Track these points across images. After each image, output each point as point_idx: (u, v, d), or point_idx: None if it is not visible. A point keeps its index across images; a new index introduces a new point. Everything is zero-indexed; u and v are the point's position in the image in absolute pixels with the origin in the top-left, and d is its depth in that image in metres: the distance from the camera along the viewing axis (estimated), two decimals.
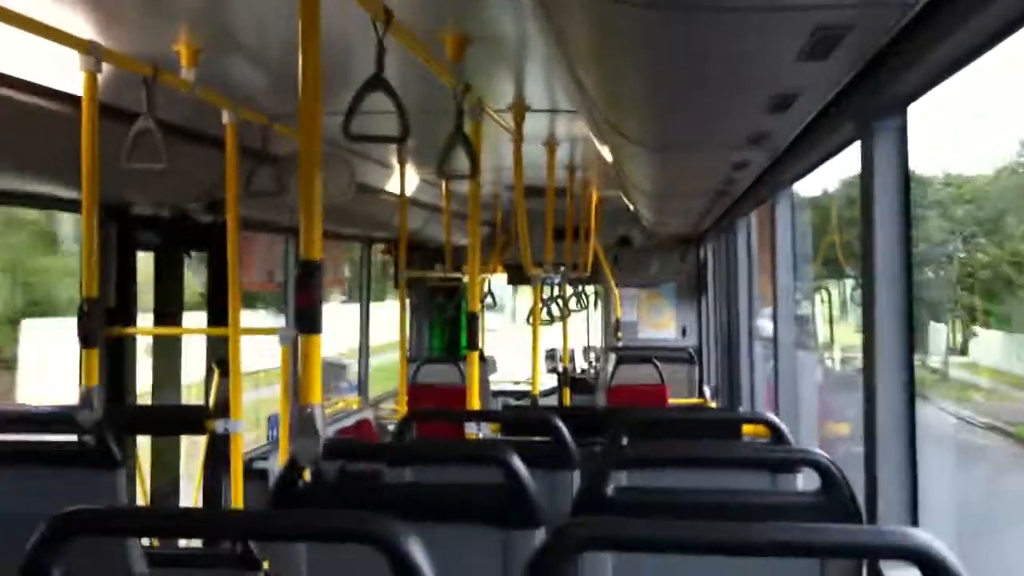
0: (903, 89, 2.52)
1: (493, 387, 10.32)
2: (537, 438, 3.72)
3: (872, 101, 2.65)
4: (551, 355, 12.10)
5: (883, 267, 2.76)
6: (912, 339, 2.79)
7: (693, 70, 2.74)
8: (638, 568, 2.30)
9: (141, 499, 5.23)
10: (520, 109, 5.13)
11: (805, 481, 2.95)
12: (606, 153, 5.29)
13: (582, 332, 13.19)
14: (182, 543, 5.05)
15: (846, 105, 2.89)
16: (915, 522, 2.86)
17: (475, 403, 4.88)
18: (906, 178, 2.70)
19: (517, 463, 2.57)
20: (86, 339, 3.65)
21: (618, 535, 1.64)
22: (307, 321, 2.70)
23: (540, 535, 2.50)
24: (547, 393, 10.15)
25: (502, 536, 2.52)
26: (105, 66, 3.58)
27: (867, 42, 2.31)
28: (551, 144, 6.30)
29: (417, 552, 1.58)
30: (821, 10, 2.09)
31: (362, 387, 8.91)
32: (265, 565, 3.77)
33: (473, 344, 4.92)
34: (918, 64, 2.31)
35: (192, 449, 5.79)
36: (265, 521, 1.91)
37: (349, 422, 8.15)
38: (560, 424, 3.50)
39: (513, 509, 2.53)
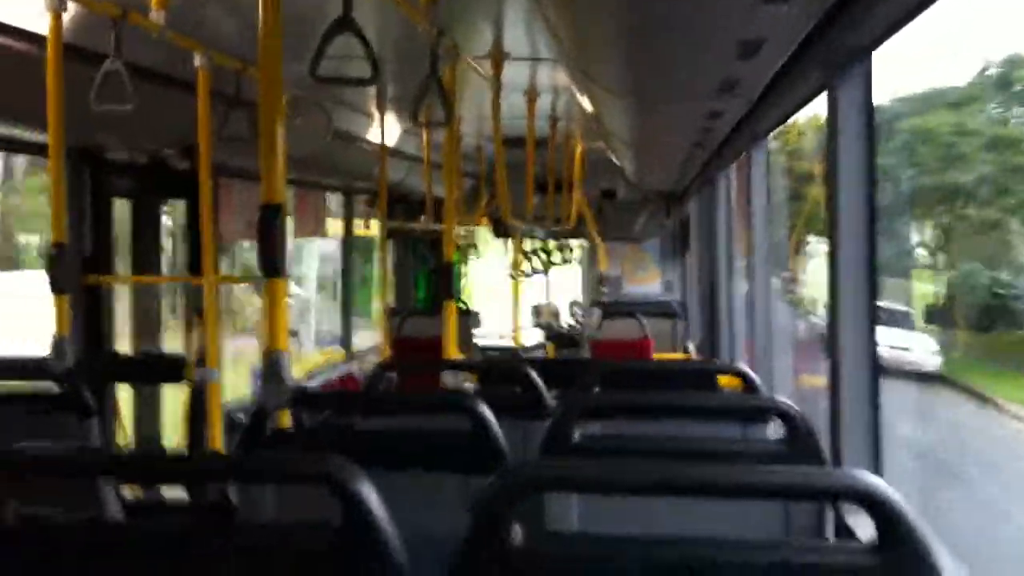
0: (867, 35, 2.50)
1: (480, 342, 10.35)
2: (515, 389, 3.73)
3: (837, 47, 2.63)
4: (537, 311, 12.14)
5: (848, 214, 2.77)
6: (875, 287, 2.80)
7: (660, 14, 2.72)
8: (603, 513, 2.31)
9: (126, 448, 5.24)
10: (498, 57, 5.09)
11: (776, 432, 2.97)
12: (586, 103, 5.26)
13: (569, 287, 13.21)
14: (167, 493, 5.07)
15: (813, 51, 2.87)
16: (878, 470, 2.88)
17: (452, 353, 4.89)
18: (871, 125, 2.70)
19: (483, 409, 2.58)
20: (57, 285, 3.63)
21: (566, 476, 1.65)
22: (271, 264, 2.70)
23: None
24: (532, 349, 10.18)
25: (467, 483, 2.53)
26: (72, 6, 3.53)
27: None
28: (532, 94, 6.26)
29: (367, 491, 1.59)
30: None
31: (346, 340, 8.91)
32: None
33: (448, 293, 4.92)
34: (880, 9, 2.30)
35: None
36: (215, 463, 1.93)
37: (334, 375, 8.18)
38: (532, 373, 3.50)
39: (478, 455, 2.54)
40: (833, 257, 2.81)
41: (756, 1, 2.40)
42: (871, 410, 2.84)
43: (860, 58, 2.63)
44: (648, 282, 11.58)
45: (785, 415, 2.51)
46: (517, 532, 1.52)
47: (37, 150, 4.10)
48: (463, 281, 11.89)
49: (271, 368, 2.69)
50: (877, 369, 2.86)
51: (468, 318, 9.59)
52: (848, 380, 2.83)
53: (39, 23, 3.56)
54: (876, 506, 1.43)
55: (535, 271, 9.70)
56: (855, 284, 2.77)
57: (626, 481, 1.59)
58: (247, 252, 8.22)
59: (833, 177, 2.77)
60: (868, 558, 1.44)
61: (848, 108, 2.68)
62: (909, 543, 1.41)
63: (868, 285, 2.78)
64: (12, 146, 4.57)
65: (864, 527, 2.63)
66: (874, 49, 2.60)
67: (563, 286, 12.60)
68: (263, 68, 2.61)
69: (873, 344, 2.82)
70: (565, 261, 10.78)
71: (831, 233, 2.81)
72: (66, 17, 3.53)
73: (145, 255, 5.65)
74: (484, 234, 12.04)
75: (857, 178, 2.73)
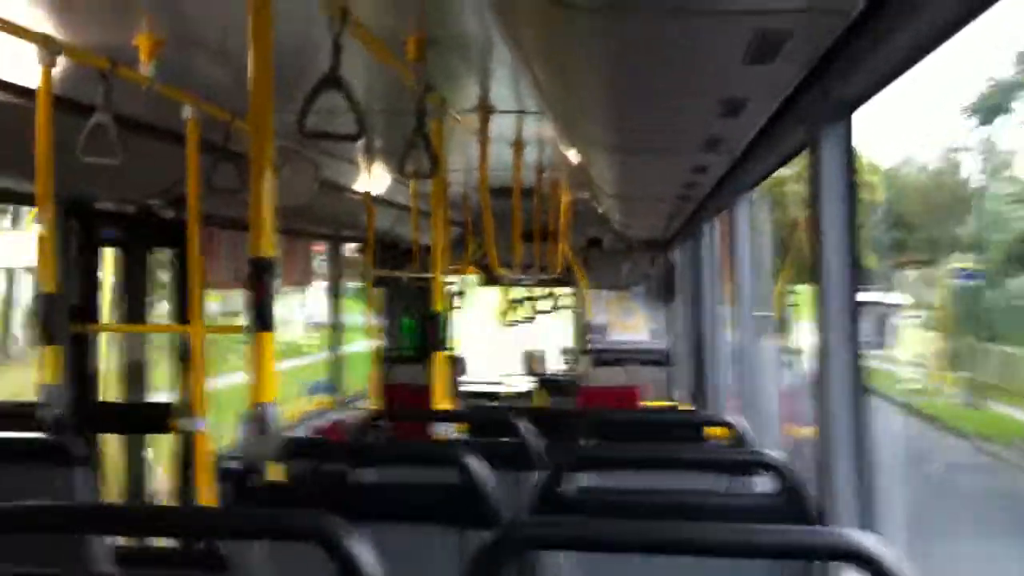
0: (848, 93, 2.55)
1: (467, 387, 10.33)
2: (505, 439, 3.73)
3: (818, 106, 2.68)
4: (528, 356, 12.15)
5: (831, 268, 2.79)
6: (857, 336, 2.81)
7: (644, 74, 2.77)
8: (593, 569, 2.31)
9: (111, 499, 5.19)
10: (485, 110, 5.14)
11: (765, 484, 2.98)
12: (572, 156, 5.32)
13: (559, 334, 13.22)
14: (156, 544, 5.02)
15: (794, 110, 2.92)
16: (870, 525, 2.88)
17: (440, 403, 4.88)
18: (852, 182, 2.74)
19: (474, 463, 2.58)
20: (47, 335, 3.63)
21: (563, 534, 1.65)
22: (259, 318, 2.71)
23: None
24: (523, 395, 10.17)
25: (461, 537, 2.52)
26: (62, 59, 3.56)
27: (810, 47, 2.34)
28: (518, 145, 6.32)
29: (361, 550, 1.58)
30: (762, 15, 2.12)
31: (335, 387, 8.89)
32: None
33: (436, 344, 4.92)
34: (862, 69, 2.35)
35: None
36: (206, 518, 1.92)
37: (323, 421, 8.14)
38: (522, 425, 3.51)
39: (470, 509, 2.54)
40: (821, 311, 2.84)
41: (739, 62, 2.45)
42: (862, 463, 2.85)
43: (841, 115, 2.68)
44: (635, 330, 11.60)
45: (775, 469, 2.52)
46: None
47: (26, 200, 4.12)
48: (449, 328, 11.90)
49: (258, 420, 2.69)
50: (867, 421, 2.87)
51: (455, 364, 9.58)
52: (836, 429, 2.84)
53: (29, 77, 3.59)
54: (872, 566, 1.44)
55: (523, 319, 9.72)
56: (841, 335, 2.79)
57: (620, 540, 1.59)
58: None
59: (817, 231, 2.80)
60: None
61: (830, 164, 2.72)
62: None
63: (852, 337, 2.80)
64: (3, 197, 4.58)
65: None
66: (856, 107, 2.65)
67: (552, 332, 12.61)
68: (253, 122, 2.64)
69: (861, 396, 2.83)
70: (554, 308, 10.80)
71: (816, 284, 2.83)
72: (55, 70, 3.56)
73: (132, 303, 5.64)
74: (471, 280, 12.07)
75: (840, 232, 2.77)
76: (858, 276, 2.82)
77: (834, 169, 2.71)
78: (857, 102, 2.60)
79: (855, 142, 2.69)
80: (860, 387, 2.85)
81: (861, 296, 2.80)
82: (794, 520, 2.48)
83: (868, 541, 1.46)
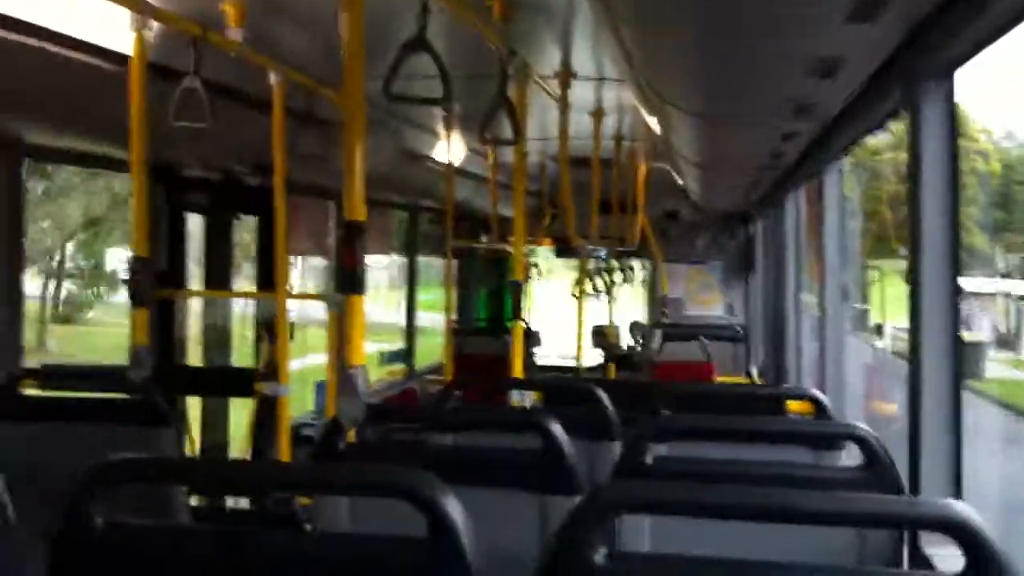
0: (950, 53, 2.46)
1: (540, 362, 10.33)
2: (580, 410, 3.71)
3: (919, 66, 2.59)
4: (598, 331, 12.11)
5: (930, 239, 2.71)
6: (958, 309, 2.74)
7: (737, 35, 2.71)
8: (675, 535, 2.29)
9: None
10: (566, 76, 5.10)
11: (849, 459, 2.91)
12: (653, 123, 5.25)
13: (631, 308, 13.13)
14: (230, 504, 5.13)
15: (892, 71, 2.83)
16: (959, 498, 2.81)
17: (518, 372, 4.88)
18: (954, 145, 2.65)
19: (556, 429, 2.57)
20: (136, 298, 3.71)
21: (651, 498, 1.63)
22: (350, 281, 2.73)
23: (577, 502, 2.49)
24: (593, 370, 10.14)
25: (540, 502, 2.52)
26: (154, 25, 3.61)
27: (912, 4, 2.26)
28: (598, 113, 6.26)
29: (454, 509, 1.58)
30: None
31: (408, 357, 8.96)
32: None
33: (516, 313, 4.92)
34: (964, 27, 2.26)
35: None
36: (300, 473, 1.94)
37: (395, 391, 8.22)
38: (601, 394, 3.48)
39: (551, 475, 2.53)
40: (915, 280, 2.76)
41: (838, 20, 2.37)
42: (952, 436, 2.78)
43: (943, 74, 2.59)
44: (710, 304, 11.48)
45: (862, 440, 2.46)
46: (601, 553, 1.51)
47: (118, 166, 4.20)
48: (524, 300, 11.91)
49: (348, 383, 2.71)
50: (959, 392, 2.79)
51: (529, 337, 9.58)
52: (929, 404, 2.77)
53: (122, 42, 3.65)
54: (966, 536, 1.40)
55: (597, 291, 9.66)
56: (938, 306, 2.71)
57: (709, 504, 1.57)
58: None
59: (915, 198, 2.72)
60: None
61: (931, 126, 2.63)
62: (997, 574, 1.37)
63: (951, 307, 2.72)
64: (95, 162, 4.68)
65: (942, 558, 2.57)
66: (958, 67, 2.56)
67: (625, 307, 12.53)
68: (346, 90, 2.64)
69: (955, 367, 2.75)
70: (627, 281, 10.72)
71: (913, 255, 2.75)
72: (147, 36, 3.61)
73: (218, 270, 5.73)
74: (545, 254, 12.05)
75: (940, 199, 2.68)
76: (959, 248, 2.73)
77: (935, 131, 2.62)
78: (960, 60, 2.50)
79: (962, 101, 2.59)
80: (957, 368, 2.77)
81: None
82: (881, 492, 2.42)
83: (961, 510, 1.42)
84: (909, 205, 2.77)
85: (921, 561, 2.57)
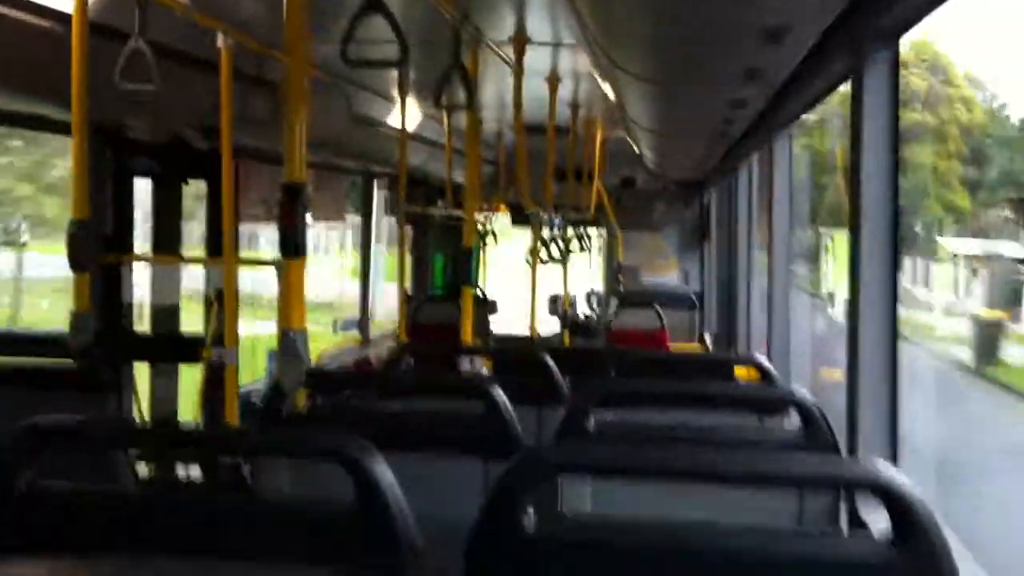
0: (894, 19, 2.47)
1: (496, 330, 10.33)
2: (531, 377, 3.71)
3: (863, 33, 2.60)
4: (554, 299, 12.13)
5: (871, 204, 2.74)
6: (896, 278, 2.77)
7: (688, 0, 2.70)
8: (617, 499, 2.31)
9: None
10: (521, 41, 5.07)
11: (794, 426, 2.95)
12: (608, 90, 5.24)
13: (587, 276, 13.16)
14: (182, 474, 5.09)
15: (839, 37, 2.84)
16: (895, 463, 2.85)
17: (468, 339, 4.88)
18: (896, 112, 2.67)
19: (499, 393, 2.58)
20: (77, 262, 3.65)
21: (582, 459, 1.64)
22: (291, 244, 2.70)
23: None
24: (549, 339, 10.16)
25: (484, 466, 2.53)
26: None
27: None
28: (553, 80, 6.24)
29: (380, 469, 1.58)
30: None
31: (363, 325, 8.92)
32: None
33: (466, 279, 4.92)
34: None
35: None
36: (232, 437, 1.93)
37: (349, 359, 8.19)
38: (549, 360, 3.49)
39: (495, 439, 2.54)
40: (855, 247, 2.79)
41: None
42: (890, 401, 2.82)
43: (887, 44, 2.60)
44: (666, 272, 11.54)
45: (801, 406, 2.49)
46: (530, 516, 1.51)
47: (60, 128, 4.12)
48: (480, 268, 11.90)
49: (289, 347, 2.69)
50: (897, 360, 2.83)
51: (485, 305, 9.58)
52: (867, 370, 2.81)
53: (64, 1, 3.57)
54: (893, 498, 1.41)
55: (553, 259, 9.68)
56: (877, 274, 2.75)
57: (643, 465, 1.58)
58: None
59: (857, 165, 2.74)
60: (883, 551, 1.42)
61: (874, 95, 2.65)
62: (925, 538, 1.39)
63: (890, 275, 2.76)
64: (36, 124, 4.58)
65: (878, 520, 2.62)
66: (902, 34, 2.57)
67: (581, 275, 12.56)
68: (289, 49, 2.60)
69: (894, 334, 2.79)
70: (583, 249, 10.74)
71: (853, 221, 2.78)
72: None
73: (165, 235, 5.66)
74: (501, 221, 12.02)
75: (882, 165, 2.71)
76: (898, 213, 2.76)
77: (879, 100, 2.64)
78: (904, 27, 2.52)
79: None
80: (894, 330, 2.81)
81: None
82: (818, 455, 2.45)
83: (891, 472, 1.44)
84: (851, 171, 2.79)
85: (858, 524, 2.61)
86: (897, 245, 2.75)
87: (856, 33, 2.66)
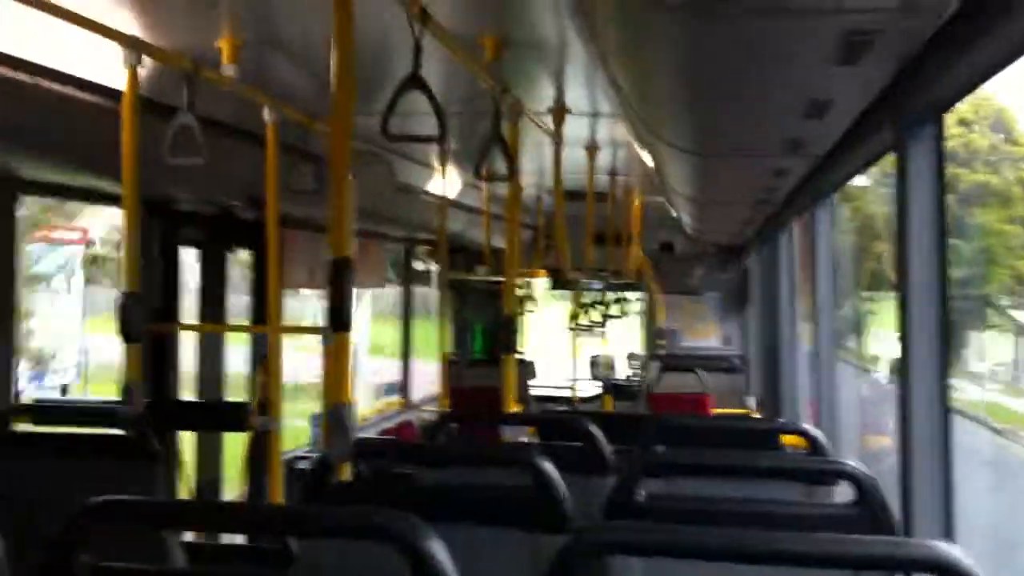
0: (938, 95, 2.48)
1: (537, 392, 10.30)
2: (575, 444, 3.69)
3: (907, 107, 2.61)
4: (594, 362, 12.08)
5: (918, 278, 2.72)
6: (947, 352, 2.74)
7: (728, 75, 2.73)
8: (668, 573, 2.28)
9: (185, 495, 5.27)
10: (560, 112, 5.13)
11: (843, 496, 2.90)
12: (647, 158, 5.27)
13: (627, 340, 13.10)
14: (226, 540, 5.09)
15: (881, 112, 2.85)
16: (950, 537, 2.80)
17: (510, 406, 4.87)
18: (942, 186, 2.66)
19: (546, 465, 2.56)
20: (127, 334, 3.70)
21: (635, 540, 1.63)
22: (338, 318, 2.72)
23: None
24: (590, 400, 10.12)
25: (531, 540, 2.50)
26: (147, 60, 3.63)
27: (900, 47, 2.28)
28: (592, 148, 6.29)
29: (437, 550, 1.58)
30: (852, 14, 2.07)
31: (405, 388, 8.94)
32: None
33: (508, 347, 4.91)
34: (952, 70, 2.28)
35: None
36: (282, 515, 1.93)
37: (392, 424, 8.19)
38: (593, 428, 3.47)
39: (542, 512, 2.52)
40: (903, 319, 2.76)
41: (826, 62, 2.39)
42: (943, 476, 2.77)
43: (931, 117, 2.61)
44: (706, 336, 11.48)
45: (855, 478, 2.45)
46: None
47: (111, 200, 4.21)
48: (519, 332, 11.91)
49: (336, 420, 2.70)
50: (950, 432, 2.78)
51: (525, 368, 9.56)
52: (919, 444, 2.76)
53: (115, 78, 3.67)
54: None
55: (593, 324, 9.67)
56: (927, 344, 2.72)
57: (697, 546, 1.56)
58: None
59: (904, 237, 2.73)
60: None
61: (918, 167, 2.65)
62: None
63: (940, 345, 2.72)
64: (88, 196, 4.69)
65: None
66: (946, 110, 2.58)
67: (621, 338, 12.52)
68: (335, 122, 2.65)
69: (945, 406, 2.75)
70: (623, 313, 10.72)
71: (901, 295, 2.76)
72: (140, 72, 3.63)
73: (211, 304, 5.73)
74: (541, 286, 12.05)
75: (928, 238, 2.69)
76: (947, 286, 2.74)
77: (923, 172, 2.64)
78: (948, 103, 2.52)
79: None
80: (945, 402, 2.77)
81: None
82: (874, 532, 2.41)
83: (952, 552, 1.41)
84: (897, 244, 2.78)
85: None
86: (947, 318, 2.72)
87: (899, 108, 2.67)
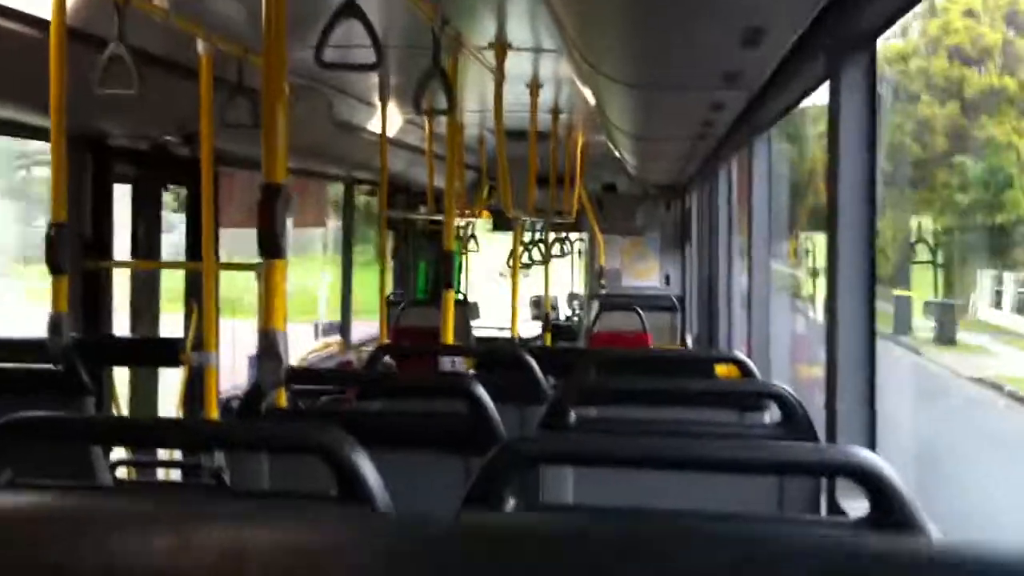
0: (870, 21, 2.50)
1: (477, 333, 10.34)
2: (511, 375, 3.72)
3: (840, 34, 2.63)
4: (535, 302, 12.14)
5: (847, 203, 2.77)
6: (874, 274, 2.80)
7: (666, 3, 2.73)
8: (599, 490, 2.31)
9: None
10: (502, 47, 5.08)
11: (773, 420, 2.97)
12: (589, 95, 5.26)
13: (566, 280, 13.19)
14: (161, 476, 5.08)
15: (816, 40, 2.87)
16: (873, 449, 2.88)
17: (449, 341, 4.89)
18: (874, 113, 2.70)
19: (480, 391, 2.58)
20: (54, 265, 3.63)
21: (566, 449, 1.65)
22: (270, 245, 2.70)
23: None
24: (531, 340, 10.19)
25: (465, 463, 2.53)
26: None
27: None
28: (534, 86, 6.26)
29: (363, 463, 1.58)
30: None
31: (344, 329, 8.92)
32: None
33: (448, 283, 4.92)
34: None
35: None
36: (211, 429, 1.92)
37: (331, 364, 8.18)
38: (530, 359, 3.50)
39: (477, 437, 2.54)
40: (833, 242, 2.82)
41: None
42: (868, 392, 2.84)
43: (864, 45, 2.63)
44: (648, 275, 11.58)
45: (780, 398, 2.50)
46: (509, 504, 1.52)
47: (40, 135, 4.10)
48: (462, 272, 11.90)
49: (268, 347, 2.69)
50: (874, 351, 2.85)
51: (467, 309, 9.59)
52: (845, 361, 2.83)
53: (42, 6, 3.56)
54: (872, 482, 1.42)
55: (534, 263, 9.70)
56: (854, 269, 2.77)
57: (622, 453, 1.58)
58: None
59: (834, 167, 2.77)
60: (862, 532, 1.43)
61: (851, 96, 2.68)
62: (904, 520, 1.41)
63: (867, 270, 2.78)
64: (14, 130, 4.56)
65: (856, 508, 2.64)
66: (878, 36, 2.60)
67: (562, 279, 12.58)
68: (268, 52, 2.61)
69: (871, 323, 2.82)
70: (564, 254, 10.77)
71: (831, 218, 2.81)
72: (69, 1, 3.53)
73: (145, 240, 5.64)
74: (482, 226, 12.04)
75: (859, 167, 2.73)
76: (875, 216, 2.79)
77: (856, 100, 2.67)
78: (880, 29, 2.55)
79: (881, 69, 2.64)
80: (872, 323, 2.84)
81: None
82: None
83: (866, 455, 1.45)
84: (828, 173, 2.82)
85: (836, 511, 2.63)
86: (874, 239, 2.78)
87: (832, 35, 2.69)
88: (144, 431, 1.93)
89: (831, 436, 2.87)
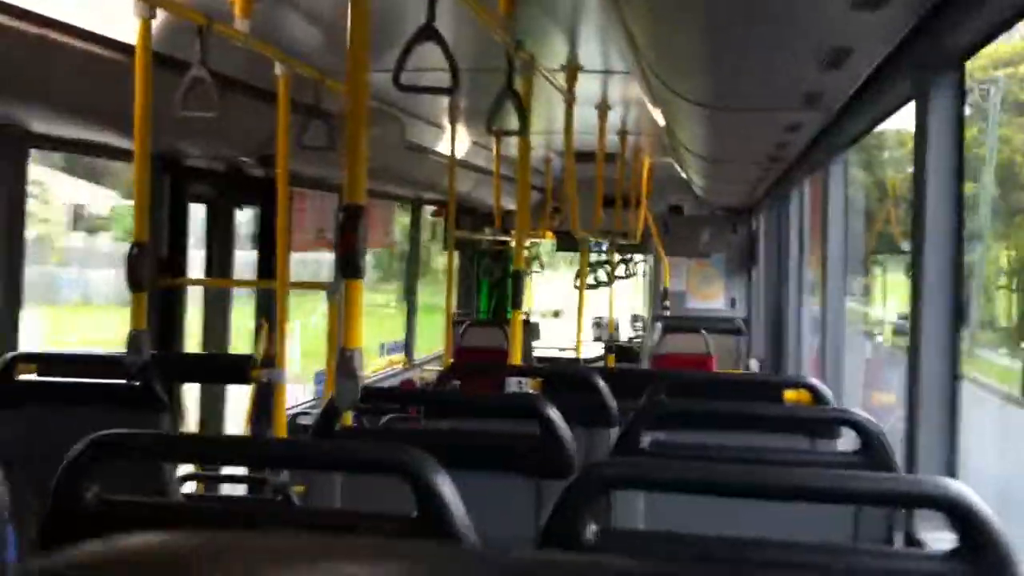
0: (959, 42, 2.45)
1: (539, 353, 10.33)
2: (579, 396, 3.69)
3: (927, 55, 2.58)
4: (598, 323, 12.09)
5: (934, 230, 2.71)
6: (960, 305, 2.73)
7: (746, 24, 2.71)
8: (671, 515, 2.29)
9: None
10: (573, 69, 5.10)
11: (846, 447, 2.91)
12: (658, 116, 5.25)
13: (632, 301, 13.12)
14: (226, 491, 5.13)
15: (901, 61, 2.82)
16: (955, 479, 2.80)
17: (516, 362, 4.88)
18: (961, 138, 2.64)
19: (552, 413, 2.57)
20: (135, 283, 3.70)
21: (639, 475, 1.64)
22: (350, 265, 2.72)
23: None
24: (593, 361, 10.15)
25: (537, 486, 2.51)
26: (160, 14, 3.61)
27: None
28: (603, 107, 6.26)
29: (444, 484, 1.58)
30: None
31: (408, 348, 8.96)
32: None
33: (516, 303, 4.92)
34: (973, 16, 2.25)
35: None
36: (287, 449, 1.93)
37: (394, 382, 8.21)
38: (598, 380, 3.47)
39: (548, 459, 2.52)
40: (916, 270, 2.76)
41: (845, 7, 2.37)
42: (949, 422, 2.77)
43: (953, 64, 2.58)
44: (713, 298, 11.47)
45: (858, 426, 2.44)
46: (591, 529, 1.50)
47: (121, 155, 4.20)
48: (526, 293, 11.91)
49: (346, 365, 2.70)
50: (957, 376, 2.78)
51: (529, 329, 9.58)
52: (927, 388, 2.76)
53: (127, 32, 3.65)
54: (960, 513, 1.39)
55: (599, 284, 9.67)
56: (939, 295, 2.71)
57: (699, 480, 1.56)
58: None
59: (921, 191, 2.71)
60: (947, 564, 1.39)
61: (939, 117, 2.63)
62: (993, 552, 1.36)
63: (952, 296, 2.72)
64: (98, 150, 4.67)
65: (934, 539, 2.57)
66: (968, 57, 2.55)
67: (626, 300, 12.53)
68: (351, 77, 2.63)
69: (955, 352, 2.75)
70: (629, 275, 10.72)
71: (915, 244, 2.75)
72: (153, 25, 3.61)
73: (219, 259, 5.74)
74: (548, 247, 12.04)
75: (946, 191, 2.68)
76: (963, 239, 2.73)
77: (943, 122, 2.61)
78: (971, 49, 2.50)
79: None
80: (955, 363, 2.76)
81: None
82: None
83: (953, 487, 1.41)
84: (914, 196, 2.76)
85: (913, 543, 2.57)
86: (961, 264, 2.71)
87: (920, 55, 2.64)
88: (231, 449, 1.95)
89: (911, 466, 2.80)
